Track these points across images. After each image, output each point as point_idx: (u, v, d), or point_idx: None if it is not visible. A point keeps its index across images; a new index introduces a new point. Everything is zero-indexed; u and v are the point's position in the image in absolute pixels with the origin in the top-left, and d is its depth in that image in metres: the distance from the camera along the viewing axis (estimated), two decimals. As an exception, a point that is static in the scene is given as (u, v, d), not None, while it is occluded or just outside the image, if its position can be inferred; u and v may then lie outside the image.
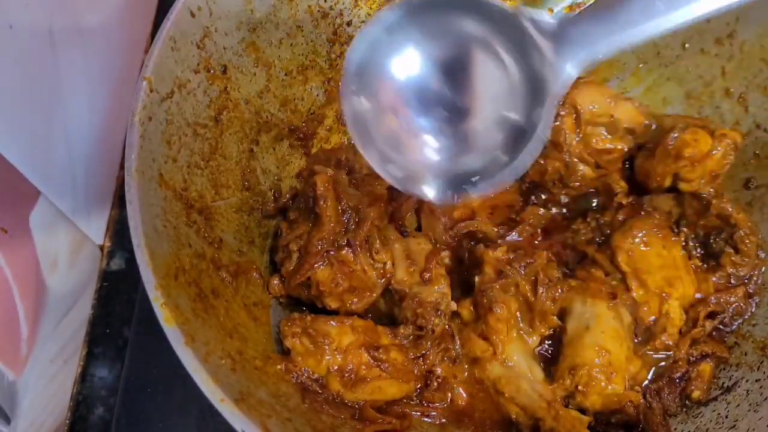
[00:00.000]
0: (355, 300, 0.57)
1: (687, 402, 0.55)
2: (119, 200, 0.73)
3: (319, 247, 0.57)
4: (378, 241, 0.58)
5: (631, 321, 0.55)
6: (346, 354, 0.53)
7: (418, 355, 0.55)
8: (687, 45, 0.68)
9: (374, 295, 0.58)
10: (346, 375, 0.53)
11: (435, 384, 0.56)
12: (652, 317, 0.55)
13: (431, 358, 0.56)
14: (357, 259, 0.57)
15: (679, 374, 0.54)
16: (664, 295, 0.56)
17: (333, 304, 0.58)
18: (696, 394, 0.54)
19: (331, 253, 0.57)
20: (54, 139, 0.60)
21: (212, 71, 0.59)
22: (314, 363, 0.53)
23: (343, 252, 0.56)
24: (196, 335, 0.44)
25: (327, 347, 0.53)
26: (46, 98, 0.58)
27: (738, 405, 0.51)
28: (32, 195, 0.61)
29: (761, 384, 0.51)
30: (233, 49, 0.61)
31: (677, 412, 0.54)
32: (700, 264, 0.60)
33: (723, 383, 0.54)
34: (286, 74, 0.68)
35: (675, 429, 0.52)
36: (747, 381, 0.53)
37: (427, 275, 0.57)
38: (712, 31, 0.67)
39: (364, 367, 0.53)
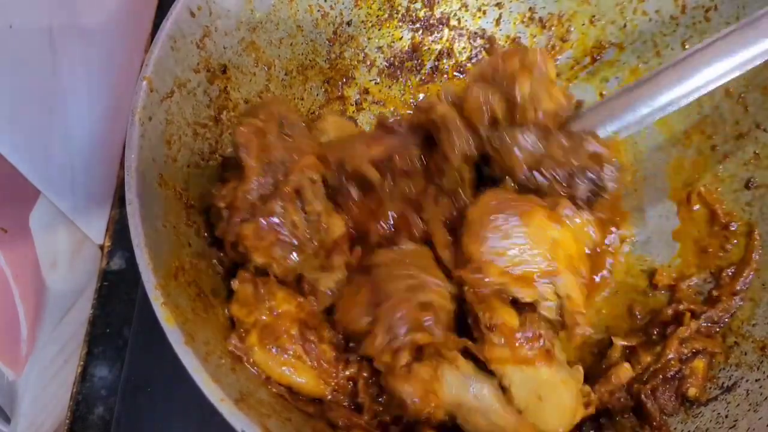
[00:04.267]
0: (285, 255, 0.53)
1: (685, 401, 0.54)
2: (119, 200, 0.73)
3: (245, 200, 0.52)
4: (310, 192, 0.54)
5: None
6: (279, 317, 0.51)
7: (344, 365, 0.52)
8: (687, 45, 0.68)
9: (306, 251, 0.54)
10: (268, 336, 0.50)
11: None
12: (549, 303, 0.51)
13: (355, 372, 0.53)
14: (286, 211, 0.53)
15: (672, 372, 0.54)
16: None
17: (259, 260, 0.53)
18: (692, 391, 0.54)
19: (258, 205, 0.52)
20: (54, 139, 0.60)
21: (212, 71, 0.59)
22: (245, 312, 0.51)
23: (270, 203, 0.52)
24: (196, 335, 0.44)
25: (265, 302, 0.51)
26: (46, 98, 0.58)
27: (738, 405, 0.51)
28: (32, 195, 0.61)
29: (761, 384, 0.51)
30: (233, 48, 0.62)
31: (676, 412, 0.54)
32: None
33: (723, 383, 0.54)
34: (286, 74, 0.68)
35: (675, 429, 0.52)
36: (747, 381, 0.52)
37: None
38: (711, 31, 0.67)
39: (288, 339, 0.51)
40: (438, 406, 0.50)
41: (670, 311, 0.59)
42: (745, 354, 0.55)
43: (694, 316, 0.57)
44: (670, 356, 0.54)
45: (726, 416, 0.51)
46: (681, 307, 0.58)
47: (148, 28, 0.82)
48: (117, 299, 0.69)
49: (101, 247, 0.72)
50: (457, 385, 0.50)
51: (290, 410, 0.47)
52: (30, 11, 0.54)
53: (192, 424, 0.62)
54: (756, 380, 0.52)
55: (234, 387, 0.43)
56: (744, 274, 0.58)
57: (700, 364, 0.54)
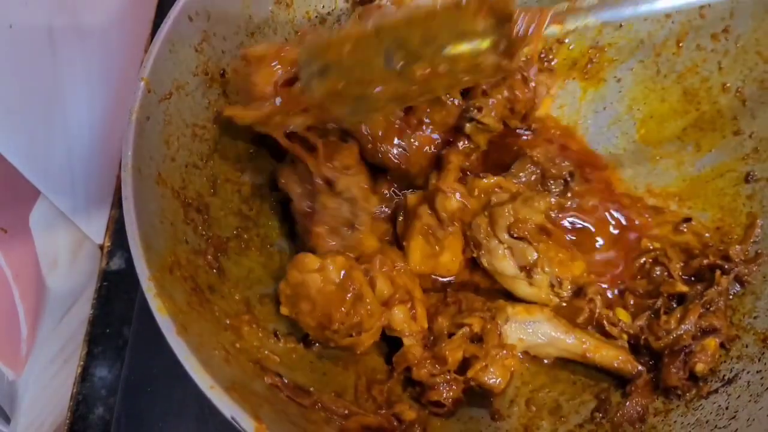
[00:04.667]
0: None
1: (692, 376, 0.54)
2: (119, 200, 0.72)
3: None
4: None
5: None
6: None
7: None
8: (681, 44, 0.68)
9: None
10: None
11: None
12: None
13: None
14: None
15: (682, 346, 0.54)
16: None
17: None
18: (700, 366, 0.53)
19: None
20: (54, 139, 0.61)
21: (210, 74, 0.60)
22: None
23: None
24: (189, 326, 0.44)
25: None
26: (45, 98, 0.59)
27: (739, 396, 0.51)
28: (32, 195, 0.62)
29: (762, 375, 0.51)
30: (232, 53, 0.62)
31: (682, 388, 0.54)
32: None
33: (724, 375, 0.53)
34: (285, 77, 0.68)
35: (675, 422, 0.52)
36: (748, 372, 0.52)
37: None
38: (707, 27, 0.67)
39: None
40: (516, 366, 0.56)
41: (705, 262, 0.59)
42: (746, 346, 0.54)
43: (724, 272, 0.58)
44: (687, 326, 0.55)
45: (726, 408, 0.50)
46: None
47: (147, 28, 0.82)
48: (117, 299, 0.69)
49: (101, 247, 0.72)
50: (520, 335, 0.57)
51: (284, 402, 0.47)
52: (30, 11, 0.54)
53: (192, 424, 0.62)
54: (757, 372, 0.51)
55: (226, 376, 0.43)
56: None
57: (712, 342, 0.54)
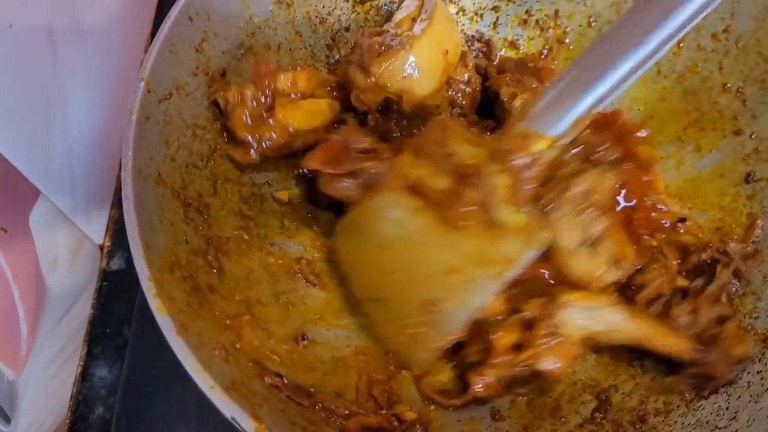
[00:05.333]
0: None
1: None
2: (119, 200, 0.72)
3: None
4: None
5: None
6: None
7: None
8: (682, 44, 0.68)
9: None
10: None
11: None
12: None
13: None
14: None
15: (710, 335, 0.55)
16: None
17: None
18: (741, 349, 0.53)
19: None
20: (54, 139, 0.61)
21: (210, 74, 0.60)
22: None
23: None
24: (189, 326, 0.44)
25: None
26: (45, 98, 0.59)
27: (739, 397, 0.51)
28: (32, 194, 0.62)
29: (762, 375, 0.51)
30: (232, 53, 0.62)
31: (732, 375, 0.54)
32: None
33: (724, 375, 0.53)
34: (285, 78, 0.68)
35: (675, 422, 0.52)
36: (748, 373, 0.52)
37: None
38: (707, 27, 0.67)
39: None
40: (578, 354, 0.54)
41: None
42: (747, 347, 0.54)
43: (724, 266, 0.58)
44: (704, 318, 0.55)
45: (727, 408, 0.50)
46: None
47: (148, 28, 0.82)
48: (117, 299, 0.69)
49: (101, 247, 0.72)
50: (579, 322, 0.54)
51: (284, 402, 0.47)
52: (30, 11, 0.54)
53: (192, 424, 0.62)
54: (758, 372, 0.51)
55: (226, 376, 0.43)
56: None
57: (732, 327, 0.55)
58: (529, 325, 0.55)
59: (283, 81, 0.60)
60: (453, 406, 0.55)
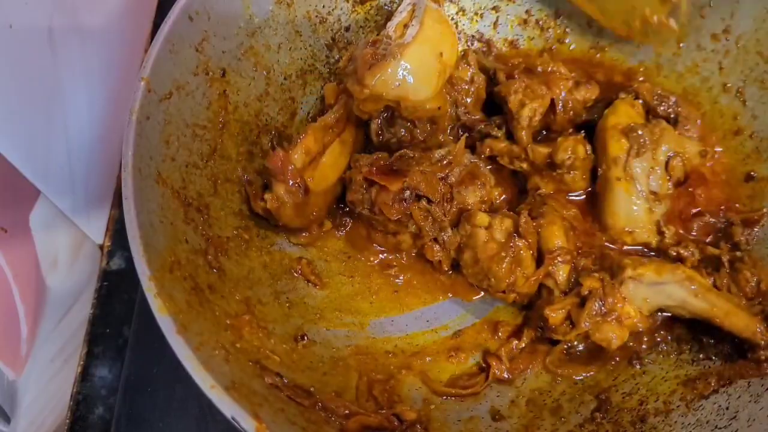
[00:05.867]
0: None
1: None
2: (119, 200, 0.72)
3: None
4: None
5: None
6: None
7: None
8: (682, 44, 0.68)
9: None
10: None
11: None
12: None
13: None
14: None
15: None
16: None
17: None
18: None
19: None
20: (54, 139, 0.61)
21: (211, 74, 0.60)
22: None
23: None
24: (189, 326, 0.44)
25: None
26: (45, 98, 0.59)
27: (739, 396, 0.51)
28: (32, 195, 0.62)
29: (762, 375, 0.51)
30: (232, 53, 0.62)
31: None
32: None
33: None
34: (285, 78, 0.68)
35: (675, 422, 0.51)
36: (748, 372, 0.52)
37: None
38: (707, 27, 0.67)
39: None
40: (640, 326, 0.56)
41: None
42: (747, 347, 0.54)
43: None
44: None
45: (727, 408, 0.50)
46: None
47: (148, 28, 0.82)
48: (117, 299, 0.69)
49: (101, 247, 0.72)
50: (650, 298, 0.56)
51: (284, 401, 0.47)
52: (30, 11, 0.54)
53: (192, 424, 0.62)
54: (758, 372, 0.52)
55: (226, 376, 0.43)
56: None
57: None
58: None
59: (299, 158, 0.61)
60: (474, 392, 0.57)
